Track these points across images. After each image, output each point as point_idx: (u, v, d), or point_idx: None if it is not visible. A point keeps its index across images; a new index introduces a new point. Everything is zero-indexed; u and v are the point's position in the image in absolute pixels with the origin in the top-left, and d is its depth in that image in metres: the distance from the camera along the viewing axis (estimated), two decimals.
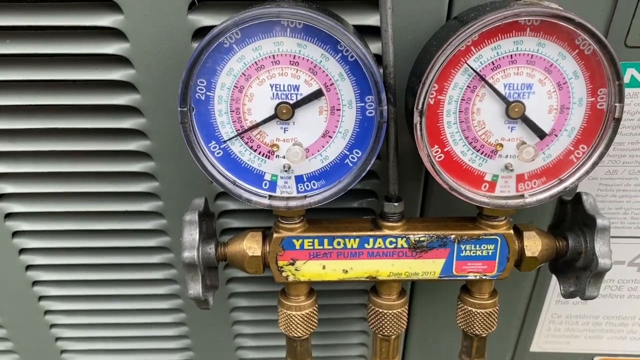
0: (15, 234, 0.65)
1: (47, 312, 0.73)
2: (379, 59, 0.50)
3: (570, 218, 0.58)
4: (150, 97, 0.55)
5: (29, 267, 0.68)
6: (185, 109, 0.47)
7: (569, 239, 0.56)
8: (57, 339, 0.76)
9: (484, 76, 0.46)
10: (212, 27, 0.50)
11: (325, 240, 0.54)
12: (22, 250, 0.67)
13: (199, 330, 0.75)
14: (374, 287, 0.59)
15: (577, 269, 0.56)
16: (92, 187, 0.61)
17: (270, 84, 0.47)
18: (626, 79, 0.55)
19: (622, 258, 0.68)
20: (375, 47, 0.52)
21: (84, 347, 0.77)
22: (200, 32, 0.51)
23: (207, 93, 0.47)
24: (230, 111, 0.48)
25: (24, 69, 0.54)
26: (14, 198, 0.63)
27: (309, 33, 0.45)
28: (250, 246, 0.55)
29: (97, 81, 0.54)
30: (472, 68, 0.46)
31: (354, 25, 0.49)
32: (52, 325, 0.74)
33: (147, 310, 0.73)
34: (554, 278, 0.68)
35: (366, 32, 0.51)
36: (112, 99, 0.55)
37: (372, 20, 0.51)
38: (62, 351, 0.77)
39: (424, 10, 0.51)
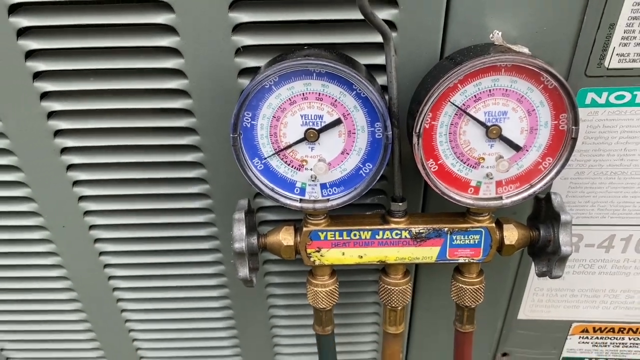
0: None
1: (119, 300, 0.88)
2: (386, 88, 0.61)
3: (544, 212, 0.68)
4: (204, 120, 0.67)
5: (101, 253, 0.83)
6: (236, 135, 0.59)
7: (541, 229, 0.67)
8: (126, 320, 0.91)
9: (466, 108, 0.58)
10: (254, 67, 0.63)
11: (344, 233, 0.66)
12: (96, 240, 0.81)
13: (240, 303, 0.88)
14: (383, 268, 0.69)
15: (547, 254, 0.67)
16: (159, 189, 0.74)
17: (301, 115, 0.59)
18: (587, 100, 0.65)
19: (592, 242, 0.78)
20: (382, 79, 0.63)
21: (149, 327, 0.93)
22: (245, 71, 0.63)
23: (252, 122, 0.60)
24: (270, 135, 0.60)
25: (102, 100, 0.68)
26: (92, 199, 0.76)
27: (331, 77, 0.57)
28: (285, 237, 0.67)
29: (162, 109, 0.67)
30: (455, 105, 0.58)
31: (365, 65, 0.62)
32: (123, 310, 0.89)
33: (197, 287, 0.86)
34: None
35: (375, 69, 0.63)
36: (175, 122, 0.68)
37: (380, 60, 0.62)
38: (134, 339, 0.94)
39: (421, 51, 0.62)
